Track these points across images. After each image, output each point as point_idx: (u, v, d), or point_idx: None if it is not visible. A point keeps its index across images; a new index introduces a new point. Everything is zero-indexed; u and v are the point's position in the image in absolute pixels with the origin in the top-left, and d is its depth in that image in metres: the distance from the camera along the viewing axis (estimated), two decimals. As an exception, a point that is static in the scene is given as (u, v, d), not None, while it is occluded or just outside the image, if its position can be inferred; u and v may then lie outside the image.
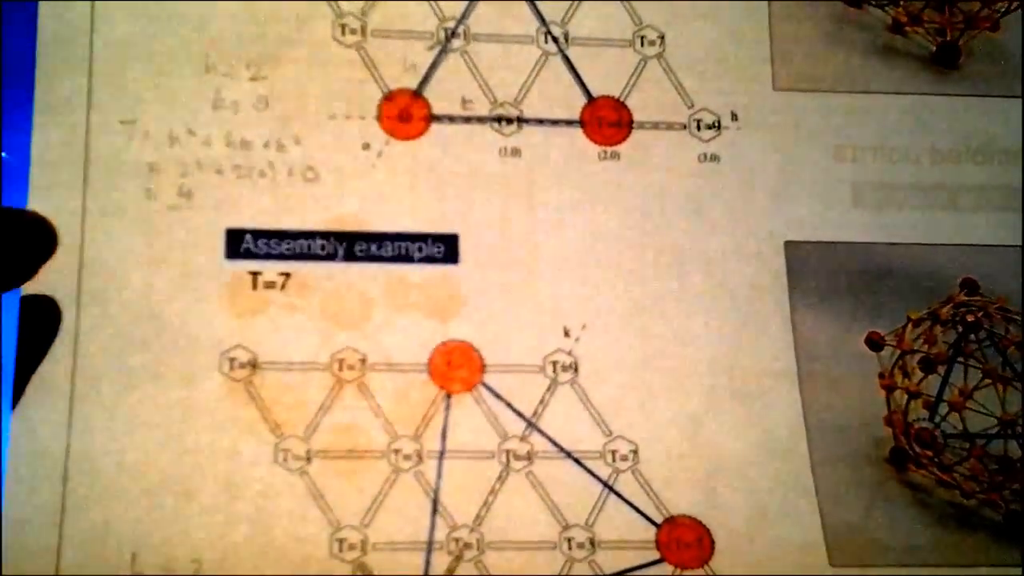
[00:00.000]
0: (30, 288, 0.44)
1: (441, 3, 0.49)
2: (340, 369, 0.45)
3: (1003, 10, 0.52)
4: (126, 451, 0.44)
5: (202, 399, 0.44)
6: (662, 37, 0.50)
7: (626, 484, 0.45)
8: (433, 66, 0.49)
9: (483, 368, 0.46)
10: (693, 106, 0.50)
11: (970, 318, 0.48)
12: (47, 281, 0.45)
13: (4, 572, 0.41)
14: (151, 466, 0.44)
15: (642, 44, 0.50)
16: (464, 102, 0.49)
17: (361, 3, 0.49)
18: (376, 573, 0.43)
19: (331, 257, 0.47)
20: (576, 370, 0.46)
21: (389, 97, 0.48)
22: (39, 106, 0.46)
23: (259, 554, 0.43)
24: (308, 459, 0.44)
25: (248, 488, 0.44)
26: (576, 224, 0.48)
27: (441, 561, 0.43)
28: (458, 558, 0.43)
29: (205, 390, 0.45)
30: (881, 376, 0.48)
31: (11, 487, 0.42)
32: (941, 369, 0.48)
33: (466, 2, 0.49)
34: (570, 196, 0.48)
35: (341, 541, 0.43)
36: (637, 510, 0.45)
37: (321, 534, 0.43)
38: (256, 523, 0.43)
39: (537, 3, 0.50)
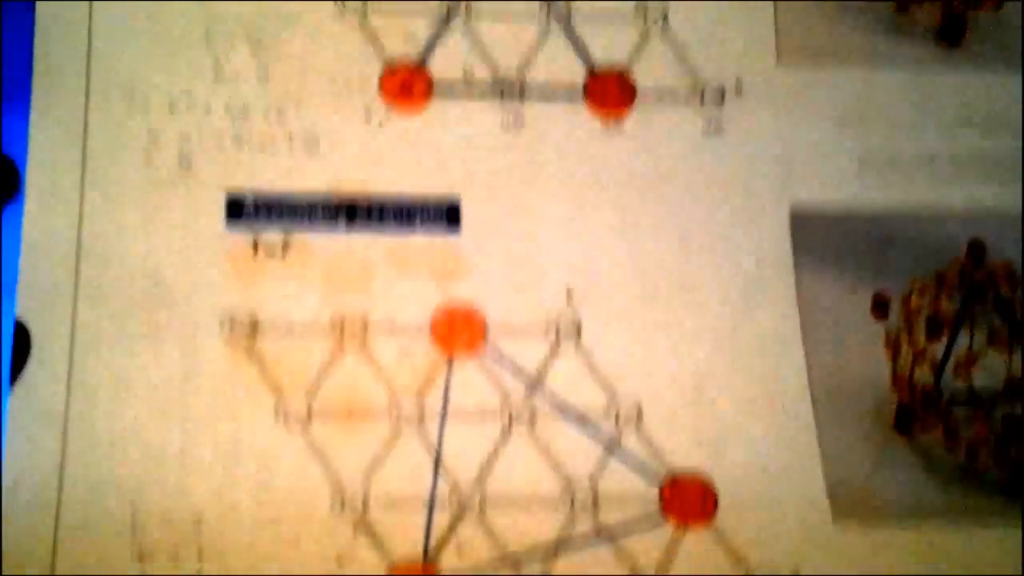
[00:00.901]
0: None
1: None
2: (341, 331, 0.45)
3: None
4: (126, 413, 0.43)
5: (203, 361, 0.44)
6: (665, 13, 0.50)
7: (629, 442, 0.45)
8: (435, 38, 0.49)
9: (485, 330, 0.46)
10: (697, 78, 0.50)
11: (976, 282, 0.48)
12: (46, 245, 0.44)
13: (4, 530, 0.41)
14: (151, 428, 0.43)
15: (645, 20, 0.50)
16: (466, 74, 0.49)
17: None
18: (377, 530, 0.42)
19: (332, 225, 0.47)
20: (579, 331, 0.46)
21: (391, 70, 0.48)
22: (38, 73, 0.46)
23: (260, 513, 0.42)
24: (309, 419, 0.44)
25: (249, 448, 0.43)
26: (579, 191, 0.48)
27: (443, 518, 0.43)
28: None
29: (205, 353, 0.44)
30: (887, 339, 0.47)
31: (11, 448, 0.42)
32: (947, 332, 0.47)
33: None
34: (573, 168, 0.48)
35: (342, 500, 0.43)
36: (640, 468, 0.44)
37: (322, 493, 0.43)
38: (257, 482, 0.43)
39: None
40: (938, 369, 0.47)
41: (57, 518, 0.41)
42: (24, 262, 0.44)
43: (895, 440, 0.46)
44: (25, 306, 0.44)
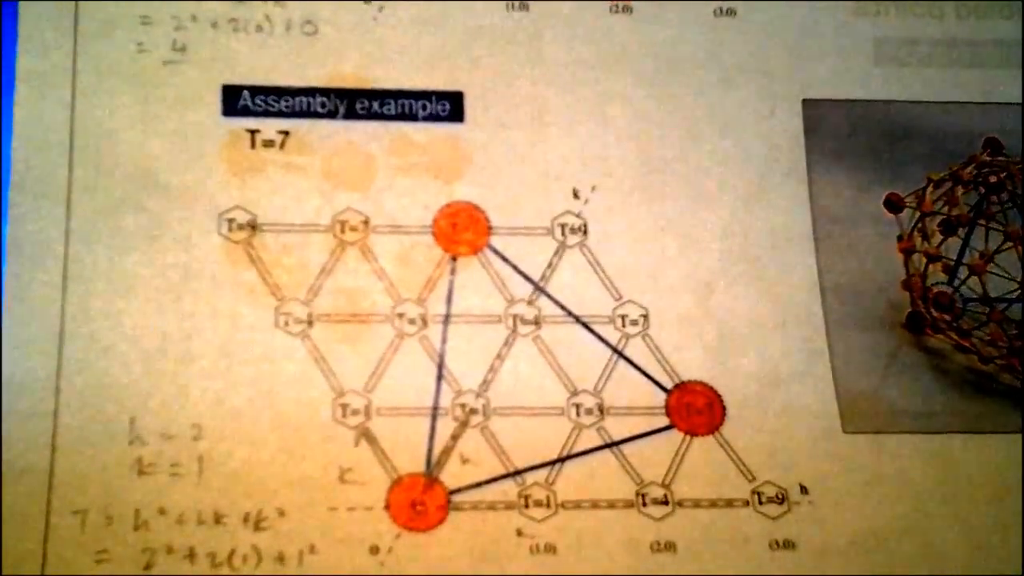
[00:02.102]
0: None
1: None
2: (342, 231, 0.44)
3: None
4: (123, 315, 0.42)
5: (200, 261, 0.43)
6: None
7: (636, 349, 0.44)
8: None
9: (489, 230, 0.45)
10: (707, -43, 0.48)
11: (993, 179, 0.47)
12: (38, 141, 0.43)
13: (2, 438, 0.40)
14: (149, 330, 0.42)
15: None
16: (470, -45, 0.47)
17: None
18: (380, 439, 0.42)
19: (332, 115, 0.45)
20: (585, 232, 0.45)
21: (391, -49, 0.46)
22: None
23: (260, 420, 0.42)
24: (310, 323, 0.43)
25: (248, 352, 0.43)
26: (586, 81, 0.47)
27: (446, 427, 0.42)
28: None
29: (203, 252, 0.43)
30: (899, 239, 0.46)
31: (6, 352, 0.41)
32: (962, 231, 0.46)
33: None
34: (579, 52, 0.47)
35: (344, 407, 0.42)
36: (647, 375, 0.44)
37: (324, 399, 0.42)
38: (257, 388, 0.42)
39: None
40: (952, 270, 0.46)
41: (55, 425, 0.41)
42: (16, 159, 0.43)
43: (906, 345, 0.45)
44: (18, 204, 0.43)
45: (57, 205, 0.43)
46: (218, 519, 0.41)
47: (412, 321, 0.43)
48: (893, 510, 0.43)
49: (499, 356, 0.43)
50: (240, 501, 0.41)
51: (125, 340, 0.42)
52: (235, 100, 0.45)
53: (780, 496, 0.43)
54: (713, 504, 0.42)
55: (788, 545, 0.42)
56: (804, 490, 0.43)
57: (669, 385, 0.44)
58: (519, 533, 0.41)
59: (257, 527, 0.41)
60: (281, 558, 0.40)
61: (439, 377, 0.43)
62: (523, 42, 0.47)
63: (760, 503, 0.42)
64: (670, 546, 0.42)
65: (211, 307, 0.43)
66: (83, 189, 0.43)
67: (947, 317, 0.45)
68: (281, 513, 0.41)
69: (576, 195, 0.45)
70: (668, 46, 0.47)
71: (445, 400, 0.43)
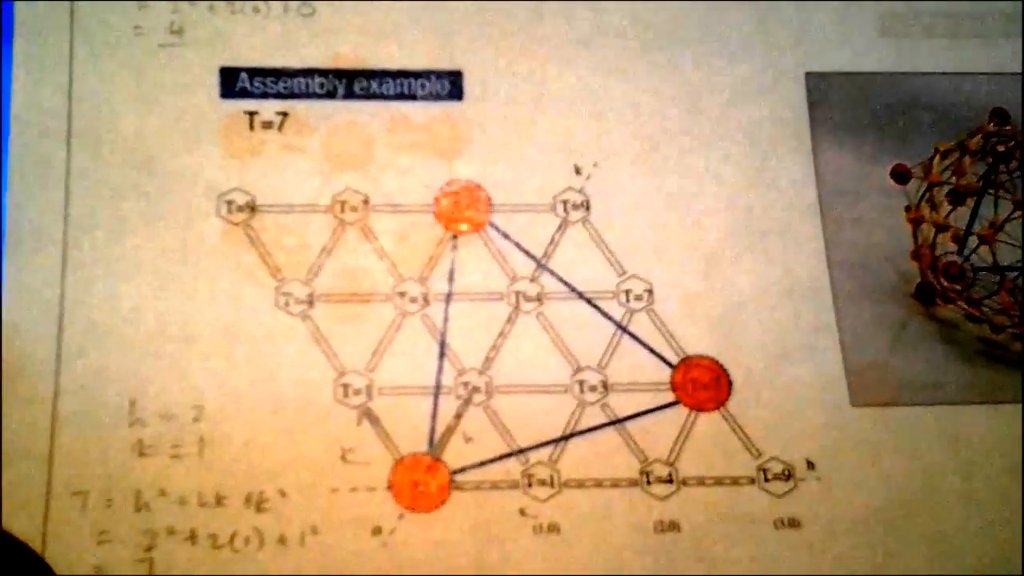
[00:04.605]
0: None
1: None
2: (342, 211, 0.44)
3: None
4: (123, 298, 0.42)
5: (199, 243, 0.43)
6: None
7: (640, 324, 0.44)
8: None
9: (490, 207, 0.44)
10: (708, -73, 0.47)
11: (1000, 148, 0.46)
12: (36, 123, 0.43)
13: (2, 421, 0.40)
14: (149, 312, 0.42)
15: None
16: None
17: None
18: (382, 419, 0.41)
19: (331, 95, 0.45)
20: (588, 208, 0.45)
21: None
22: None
23: (261, 401, 0.41)
24: (310, 303, 0.43)
25: (249, 333, 0.42)
26: (585, 57, 0.46)
27: (449, 406, 0.42)
28: None
29: (202, 234, 0.43)
30: (907, 209, 0.46)
31: (6, 336, 0.41)
32: (970, 201, 0.45)
33: None
34: (579, 27, 0.47)
35: (346, 387, 0.42)
36: (652, 351, 0.43)
37: (325, 380, 0.42)
38: (258, 369, 0.42)
39: None
40: (961, 239, 0.45)
41: (54, 408, 0.41)
42: (14, 144, 0.43)
43: (916, 316, 0.45)
44: (16, 190, 0.42)
45: (56, 190, 0.43)
46: (219, 500, 0.40)
47: (413, 300, 0.43)
48: (901, 485, 0.42)
49: (502, 334, 0.43)
50: (241, 482, 0.41)
51: (125, 323, 0.42)
52: (233, 82, 0.45)
53: (786, 472, 0.42)
54: (718, 482, 0.42)
55: (793, 523, 0.41)
56: (811, 466, 0.42)
57: (674, 360, 0.43)
58: (522, 513, 0.41)
59: (259, 508, 0.40)
60: (283, 540, 0.40)
61: (441, 355, 0.43)
62: (522, 19, 0.46)
63: (766, 480, 0.42)
64: (674, 526, 0.41)
65: (211, 289, 0.43)
66: (81, 173, 0.43)
67: (957, 287, 0.45)
68: (283, 494, 0.40)
69: (578, 171, 0.45)
70: (669, 21, 0.47)
71: (447, 379, 0.42)
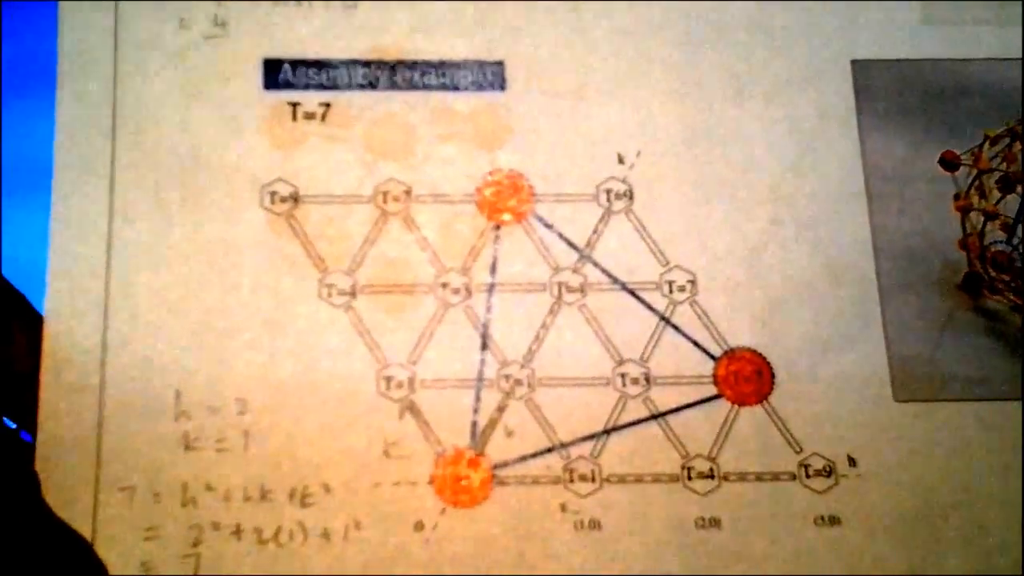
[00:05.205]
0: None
1: None
2: (384, 201, 0.44)
3: None
4: (167, 289, 0.42)
5: (243, 234, 0.43)
6: None
7: (683, 316, 0.43)
8: None
9: (533, 197, 0.44)
10: (754, -82, 0.47)
11: (1052, 132, 0.45)
12: (80, 116, 0.43)
13: (47, 412, 0.40)
14: (193, 303, 0.42)
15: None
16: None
17: None
18: (424, 412, 0.42)
19: (373, 86, 0.45)
20: (631, 198, 0.44)
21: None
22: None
23: (304, 393, 0.42)
24: (353, 294, 0.43)
25: (292, 325, 0.42)
26: (628, 47, 0.46)
27: (491, 399, 0.42)
28: None
29: (246, 225, 0.43)
30: (956, 197, 0.45)
31: (52, 326, 0.41)
32: (1020, 189, 0.45)
33: None
34: (621, 18, 0.46)
35: (388, 379, 0.42)
36: (694, 343, 0.43)
37: (368, 372, 0.42)
38: (301, 360, 0.42)
39: None
40: (1011, 228, 0.44)
41: (101, 398, 0.41)
42: (59, 137, 0.43)
43: (962, 308, 0.44)
44: (62, 182, 0.43)
45: (101, 181, 0.43)
46: (264, 495, 0.41)
47: (456, 291, 0.43)
48: (942, 485, 0.42)
49: (544, 325, 0.43)
50: (286, 476, 0.41)
51: (169, 314, 0.42)
52: (276, 73, 0.45)
53: (827, 469, 0.42)
54: (759, 478, 0.42)
55: (833, 521, 0.41)
56: (852, 462, 0.42)
57: (717, 353, 0.43)
58: (563, 508, 0.41)
59: (303, 503, 0.41)
60: (327, 534, 0.40)
61: (483, 347, 0.43)
62: (564, 9, 0.46)
63: (807, 476, 0.42)
64: (715, 522, 0.41)
65: (254, 280, 0.43)
66: (126, 165, 0.43)
67: (1006, 277, 0.44)
68: (327, 489, 0.41)
69: (621, 160, 0.45)
70: (712, 10, 0.46)
71: (490, 371, 0.42)
